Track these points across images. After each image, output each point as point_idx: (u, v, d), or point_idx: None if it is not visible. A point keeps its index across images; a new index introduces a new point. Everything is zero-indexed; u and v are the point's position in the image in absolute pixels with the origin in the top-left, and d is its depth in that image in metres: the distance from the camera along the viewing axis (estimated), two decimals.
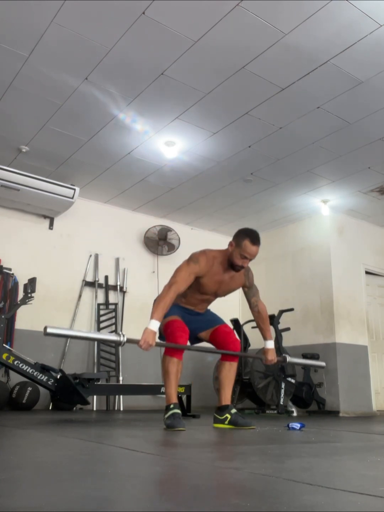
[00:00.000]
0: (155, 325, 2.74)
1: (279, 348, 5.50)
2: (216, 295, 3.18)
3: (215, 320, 3.25)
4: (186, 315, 3.13)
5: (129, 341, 2.75)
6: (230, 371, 3.14)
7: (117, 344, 2.75)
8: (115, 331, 5.92)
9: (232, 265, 3.02)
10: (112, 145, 4.80)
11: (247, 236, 2.99)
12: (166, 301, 2.82)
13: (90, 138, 4.67)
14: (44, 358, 4.95)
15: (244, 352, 5.76)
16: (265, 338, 3.25)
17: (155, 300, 2.98)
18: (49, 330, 2.54)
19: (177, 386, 3.00)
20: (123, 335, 2.73)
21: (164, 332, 3.03)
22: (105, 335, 2.95)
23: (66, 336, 2.78)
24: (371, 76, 3.71)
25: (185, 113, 4.23)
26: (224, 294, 3.20)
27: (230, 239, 3.08)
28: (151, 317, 2.77)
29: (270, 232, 6.98)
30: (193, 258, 3.00)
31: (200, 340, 3.32)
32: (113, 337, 2.81)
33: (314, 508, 0.93)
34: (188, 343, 3.14)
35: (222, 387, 3.13)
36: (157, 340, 2.89)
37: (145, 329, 2.74)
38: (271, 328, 5.58)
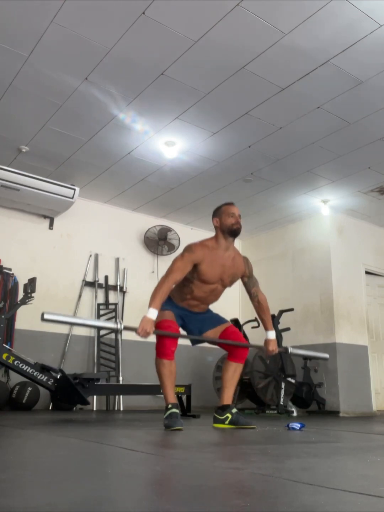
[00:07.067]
0: (153, 314, 2.79)
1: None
2: (223, 282, 3.13)
3: (220, 319, 3.24)
4: (187, 315, 3.13)
5: (126, 328, 2.81)
6: (235, 372, 3.13)
7: (114, 331, 2.81)
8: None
9: (230, 230, 3.08)
10: (112, 145, 4.80)
11: (222, 205, 3.22)
12: (164, 291, 2.87)
13: (90, 138, 4.67)
14: (44, 358, 4.94)
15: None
16: (266, 328, 3.25)
17: (153, 291, 2.98)
18: (46, 316, 2.60)
19: (173, 386, 2.99)
20: (121, 323, 2.80)
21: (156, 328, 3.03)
22: (102, 323, 3.01)
23: (63, 323, 2.86)
24: (371, 76, 3.71)
25: (185, 113, 4.23)
26: (230, 280, 3.16)
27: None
28: (149, 306, 2.81)
29: (270, 232, 6.98)
30: (187, 248, 3.06)
31: (202, 341, 3.32)
32: (110, 324, 2.86)
33: (314, 508, 0.93)
34: (182, 331, 3.14)
35: (225, 387, 3.12)
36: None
37: (143, 317, 2.77)
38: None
